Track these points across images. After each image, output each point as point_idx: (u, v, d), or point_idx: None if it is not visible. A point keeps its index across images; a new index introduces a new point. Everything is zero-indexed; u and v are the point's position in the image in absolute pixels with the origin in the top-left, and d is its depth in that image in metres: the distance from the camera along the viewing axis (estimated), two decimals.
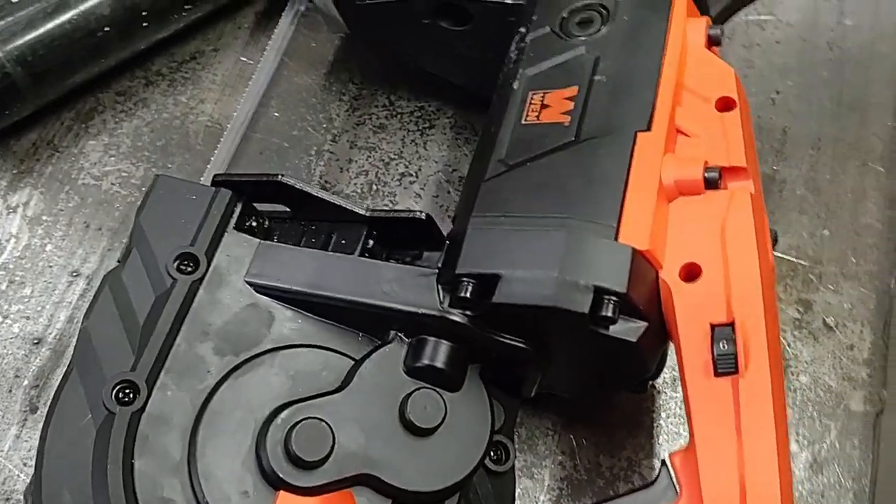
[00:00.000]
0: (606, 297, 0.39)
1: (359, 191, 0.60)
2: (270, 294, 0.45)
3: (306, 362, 0.44)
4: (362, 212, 0.46)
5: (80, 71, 0.61)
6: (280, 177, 0.46)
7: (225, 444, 0.41)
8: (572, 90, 0.46)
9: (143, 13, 0.61)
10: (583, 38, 0.48)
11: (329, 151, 0.62)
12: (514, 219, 0.42)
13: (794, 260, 0.58)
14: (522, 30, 0.50)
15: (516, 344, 0.43)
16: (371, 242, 0.46)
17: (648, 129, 0.44)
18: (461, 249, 0.42)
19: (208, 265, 0.45)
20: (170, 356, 0.42)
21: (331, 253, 0.45)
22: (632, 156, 0.43)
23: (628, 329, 0.41)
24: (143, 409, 0.41)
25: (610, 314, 0.39)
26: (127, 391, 0.41)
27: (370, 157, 0.62)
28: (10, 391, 0.53)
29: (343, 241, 0.47)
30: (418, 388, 0.43)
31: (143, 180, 0.60)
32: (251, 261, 0.45)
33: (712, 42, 0.48)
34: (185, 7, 0.64)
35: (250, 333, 0.44)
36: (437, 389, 0.43)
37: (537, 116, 0.46)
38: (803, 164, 0.62)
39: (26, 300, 0.56)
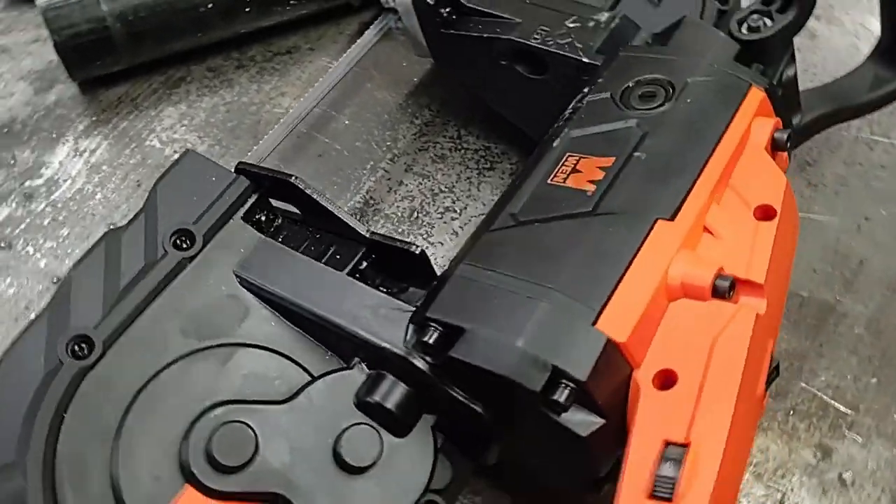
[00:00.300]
0: (564, 381, 0.37)
1: (399, 214, 0.59)
2: (253, 290, 0.44)
3: (264, 366, 0.43)
4: (362, 231, 0.45)
5: (176, 40, 0.64)
6: (293, 178, 0.46)
7: (156, 424, 0.41)
8: (608, 160, 0.43)
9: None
10: (638, 112, 0.45)
11: (384, 169, 0.61)
12: (502, 276, 0.40)
13: (828, 400, 0.52)
14: (586, 90, 0.48)
15: (472, 406, 0.40)
16: (364, 264, 0.45)
17: (671, 218, 0.41)
18: (438, 293, 0.41)
19: (203, 246, 0.45)
20: (135, 323, 0.43)
21: (321, 265, 0.45)
22: (643, 242, 0.40)
23: (582, 422, 0.38)
24: (92, 367, 0.41)
25: (562, 400, 0.36)
26: (83, 346, 0.42)
27: (421, 184, 0.61)
28: (16, 321, 0.55)
29: (338, 256, 0.46)
30: (359, 423, 0.41)
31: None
32: (246, 253, 0.45)
33: (776, 146, 0.44)
34: (290, 2, 0.65)
35: (220, 323, 0.44)
36: (381, 430, 0.41)
37: (564, 179, 0.43)
38: (872, 301, 0.56)
39: (60, 240, 0.58)
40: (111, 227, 0.58)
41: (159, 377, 0.42)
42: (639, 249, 0.40)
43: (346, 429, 0.41)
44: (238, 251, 0.45)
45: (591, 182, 0.43)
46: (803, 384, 0.53)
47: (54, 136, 0.63)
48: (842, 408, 0.52)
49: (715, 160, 0.43)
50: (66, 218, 0.59)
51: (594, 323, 0.38)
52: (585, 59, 0.51)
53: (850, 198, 0.61)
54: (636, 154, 0.43)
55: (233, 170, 0.47)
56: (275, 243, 0.46)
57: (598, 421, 0.38)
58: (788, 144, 0.44)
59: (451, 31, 0.56)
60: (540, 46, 0.52)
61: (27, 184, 0.61)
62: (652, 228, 0.40)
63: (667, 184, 0.42)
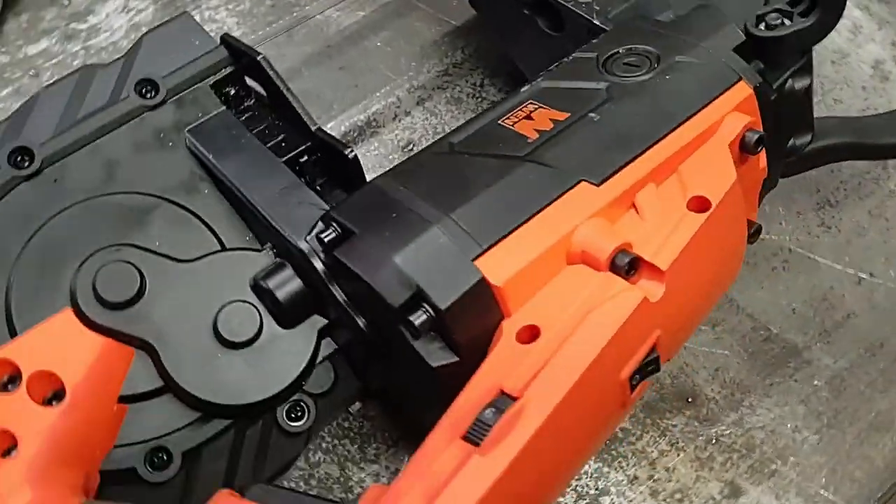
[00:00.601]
0: (425, 305, 0.36)
1: (395, 141, 0.59)
2: (195, 155, 0.45)
3: (181, 227, 0.44)
4: (310, 125, 0.45)
5: None
6: (260, 57, 0.46)
7: (59, 250, 0.42)
8: (562, 115, 0.42)
9: None
10: (615, 77, 0.43)
11: (397, 96, 0.61)
12: (410, 195, 0.39)
13: (758, 441, 0.49)
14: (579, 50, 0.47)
15: (354, 317, 0.40)
16: (306, 158, 0.45)
17: (598, 184, 0.39)
18: (349, 197, 0.40)
19: (163, 101, 0.46)
20: (77, 153, 0.44)
21: (262, 147, 0.45)
22: (558, 197, 0.38)
23: (435, 352, 0.37)
24: (25, 178, 0.43)
25: (417, 323, 0.35)
26: (25, 159, 0.44)
27: (427, 120, 0.60)
28: None
29: (283, 145, 0.46)
30: (244, 302, 0.41)
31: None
32: (203, 119, 0.46)
33: (744, 146, 0.41)
34: None
35: (153, 175, 0.45)
36: (266, 316, 0.42)
37: (513, 123, 0.42)
38: (843, 358, 0.52)
39: None
40: None
41: (74, 208, 0.43)
42: (550, 203, 0.38)
43: (231, 303, 0.41)
44: (196, 114, 0.46)
45: (537, 131, 0.41)
46: (736, 416, 0.50)
47: None
48: (769, 453, 0.49)
49: (669, 141, 0.40)
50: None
51: (475, 259, 0.36)
52: (597, 22, 0.49)
53: (861, 250, 0.56)
54: (591, 115, 0.41)
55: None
56: (231, 117, 0.46)
57: (452, 357, 0.37)
58: (758, 147, 0.41)
59: None
60: (561, 1, 0.51)
61: (71, 26, 0.64)
62: (572, 188, 0.39)
63: (607, 150, 0.40)
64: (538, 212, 0.38)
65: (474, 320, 0.36)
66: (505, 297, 0.36)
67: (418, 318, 0.36)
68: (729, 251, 0.41)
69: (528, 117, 0.42)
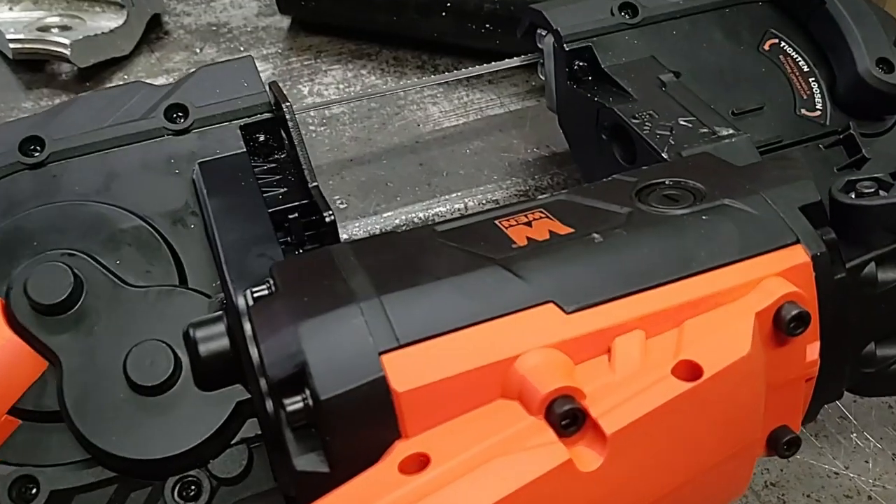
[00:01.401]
0: (306, 390, 0.30)
1: None
2: (196, 189, 0.43)
3: (149, 254, 0.41)
4: (309, 181, 0.42)
5: (371, 12, 0.66)
6: (286, 105, 0.43)
7: (20, 241, 0.40)
8: (565, 229, 0.35)
9: None
10: (643, 206, 0.36)
11: (465, 203, 0.57)
12: (357, 267, 0.33)
13: None
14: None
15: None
16: (296, 215, 0.42)
17: (568, 311, 0.32)
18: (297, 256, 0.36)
19: (187, 129, 0.44)
20: (84, 157, 0.43)
21: (255, 194, 0.42)
22: (511, 313, 0.31)
23: (303, 452, 0.30)
24: (27, 168, 0.43)
25: (287, 408, 0.29)
26: (35, 149, 0.43)
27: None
28: None
29: (280, 197, 0.43)
30: (164, 345, 0.37)
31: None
32: (219, 156, 0.44)
33: (778, 322, 0.32)
34: (485, 26, 0.64)
35: (147, 196, 0.43)
36: (185, 369, 0.37)
37: (509, 226, 0.36)
38: None
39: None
40: None
41: (56, 206, 0.42)
42: (500, 317, 0.31)
43: (149, 341, 0.37)
44: (215, 150, 0.44)
45: (529, 239, 0.35)
46: None
47: (242, 49, 0.68)
48: None
49: (678, 288, 0.33)
50: None
51: (384, 352, 0.30)
52: (665, 156, 0.42)
53: None
54: (594, 236, 0.34)
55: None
56: (246, 161, 0.44)
57: (322, 466, 0.30)
58: (796, 328, 0.32)
59: (575, 87, 0.51)
60: (634, 128, 0.45)
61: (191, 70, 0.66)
62: (535, 307, 0.32)
63: (596, 277, 0.33)
64: (482, 321, 0.31)
65: (360, 428, 0.30)
66: (404, 409, 0.30)
67: (292, 404, 0.30)
68: (725, 446, 0.32)
69: (528, 224, 0.36)
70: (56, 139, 0.43)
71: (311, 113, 0.62)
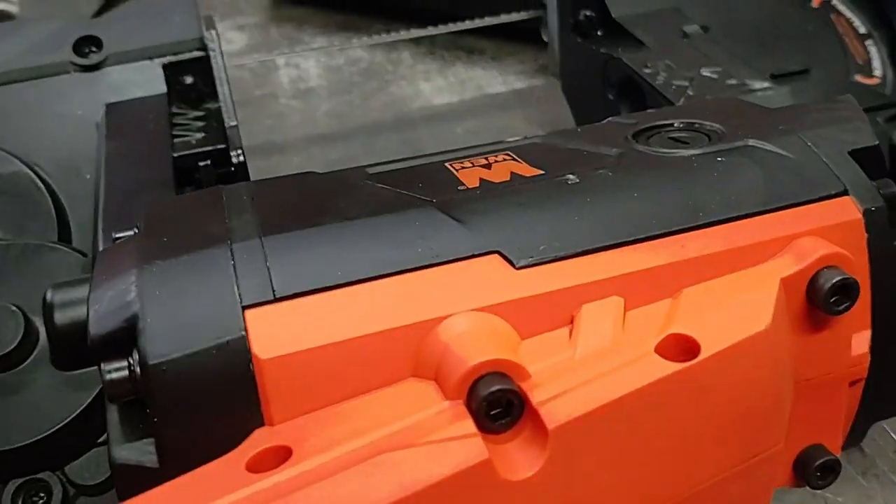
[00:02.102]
0: (134, 352, 0.21)
1: None
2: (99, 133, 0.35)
3: (27, 204, 0.33)
4: (227, 120, 0.34)
5: None
6: (211, 43, 0.36)
7: None
8: (532, 171, 0.26)
9: None
10: (639, 147, 0.27)
11: None
12: (247, 208, 0.25)
13: None
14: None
15: None
16: (208, 161, 0.34)
17: (518, 266, 0.23)
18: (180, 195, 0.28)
19: (98, 64, 0.37)
20: None
21: (167, 140, 0.34)
22: (439, 265, 0.23)
23: (126, 437, 0.22)
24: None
25: (105, 375, 0.21)
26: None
27: None
28: None
29: (191, 142, 0.34)
30: (12, 307, 0.29)
31: None
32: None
33: (813, 291, 0.23)
34: None
35: (36, 138, 0.35)
36: (42, 341, 0.29)
37: (460, 168, 0.27)
38: None
39: None
40: None
41: None
42: (422, 268, 0.23)
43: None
44: (129, 92, 0.37)
45: (482, 181, 0.26)
46: None
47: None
48: None
49: (674, 243, 0.23)
50: None
51: (250, 307, 0.21)
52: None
53: None
54: (568, 177, 0.26)
55: None
56: (163, 104, 0.37)
57: (148, 457, 0.21)
58: (838, 301, 0.23)
59: (580, 41, 0.42)
60: (645, 79, 0.36)
61: None
62: (473, 257, 0.23)
63: (560, 226, 0.24)
64: (396, 273, 0.22)
65: (205, 408, 0.21)
66: (268, 384, 0.21)
67: (114, 371, 0.21)
68: (728, 461, 0.22)
69: (487, 166, 0.27)
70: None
71: (284, 83, 0.55)
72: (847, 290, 0.23)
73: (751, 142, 0.27)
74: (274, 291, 0.22)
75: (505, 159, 0.28)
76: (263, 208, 0.25)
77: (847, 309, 0.23)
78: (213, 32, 0.36)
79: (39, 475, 0.29)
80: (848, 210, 0.25)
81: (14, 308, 0.29)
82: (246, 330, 0.21)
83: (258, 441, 0.21)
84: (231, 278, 0.22)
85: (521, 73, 0.56)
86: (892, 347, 0.26)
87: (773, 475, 0.23)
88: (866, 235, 0.25)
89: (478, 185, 0.26)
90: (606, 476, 0.20)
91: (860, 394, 0.27)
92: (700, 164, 0.26)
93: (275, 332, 0.21)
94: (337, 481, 0.18)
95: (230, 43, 0.59)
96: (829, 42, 0.42)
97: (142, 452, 0.21)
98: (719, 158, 0.26)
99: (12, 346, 0.28)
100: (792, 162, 0.26)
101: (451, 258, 0.23)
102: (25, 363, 0.29)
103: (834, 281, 0.23)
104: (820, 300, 0.23)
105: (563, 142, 0.29)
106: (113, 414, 0.22)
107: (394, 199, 0.25)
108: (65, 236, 0.33)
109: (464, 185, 0.26)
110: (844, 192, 0.25)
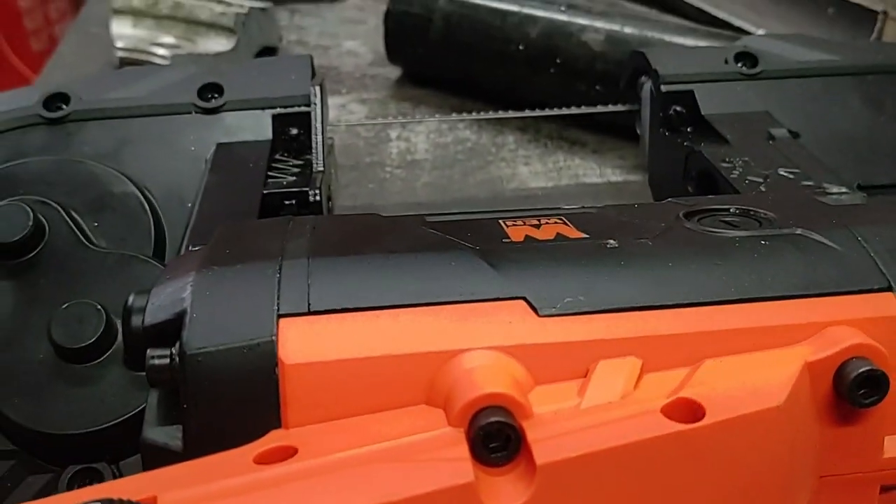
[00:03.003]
0: (177, 345, 0.23)
1: None
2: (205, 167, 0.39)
3: (132, 221, 0.37)
4: (316, 165, 0.37)
5: (477, 64, 0.62)
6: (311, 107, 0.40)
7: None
8: (578, 234, 0.27)
9: None
10: (686, 224, 0.28)
11: None
12: (307, 235, 0.27)
13: None
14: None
15: None
16: (293, 201, 0.36)
17: (541, 315, 0.23)
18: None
19: (216, 109, 0.41)
20: (104, 121, 0.41)
21: (260, 178, 0.37)
22: (466, 303, 0.24)
23: (158, 419, 0.23)
24: (45, 122, 0.41)
25: (150, 361, 0.23)
26: (60, 106, 0.41)
27: None
28: None
29: (283, 182, 0.37)
30: (98, 311, 0.32)
31: None
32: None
33: (840, 381, 0.23)
34: (595, 87, 0.58)
35: (152, 167, 0.39)
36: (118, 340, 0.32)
37: (511, 225, 0.28)
38: None
39: None
40: None
41: (54, 159, 0.39)
42: (449, 304, 0.24)
43: (85, 303, 0.32)
44: (239, 135, 0.41)
45: (528, 237, 0.27)
46: None
47: (343, 91, 0.66)
48: None
49: (698, 315, 0.24)
50: None
51: (285, 316, 0.23)
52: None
53: None
54: (609, 242, 0.26)
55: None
56: (265, 149, 0.40)
57: (174, 440, 0.23)
58: (866, 395, 0.22)
59: (667, 134, 0.43)
60: (721, 172, 0.37)
61: None
62: (499, 301, 0.24)
63: (589, 284, 0.24)
64: (424, 304, 0.24)
65: (230, 401, 0.22)
66: (289, 388, 0.22)
67: (158, 357, 0.23)
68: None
69: (536, 226, 0.29)
70: (82, 99, 0.41)
71: (392, 153, 0.58)
72: (875, 383, 0.23)
73: (799, 231, 0.27)
74: (309, 305, 0.24)
75: (556, 222, 0.29)
76: (320, 236, 0.27)
77: (875, 403, 0.23)
78: (317, 88, 0.39)
79: (95, 465, 0.31)
80: (889, 305, 0.25)
81: (99, 307, 0.32)
82: (277, 335, 0.23)
83: (271, 439, 0.22)
84: (274, 289, 0.24)
85: (618, 168, 0.57)
86: None
87: None
88: None
89: (522, 239, 0.27)
90: None
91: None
92: (742, 245, 0.26)
93: (303, 342, 0.23)
94: (325, 480, 0.20)
95: (352, 113, 0.64)
96: None
97: (170, 436, 0.23)
98: (763, 242, 0.26)
99: (91, 341, 0.31)
100: (836, 253, 0.26)
101: (478, 298, 0.24)
102: (101, 359, 0.32)
103: (860, 371, 0.23)
104: (845, 390, 0.23)
105: (617, 213, 0.30)
106: (153, 399, 0.24)
107: (438, 241, 0.27)
108: (159, 253, 0.36)
109: (509, 238, 0.28)
110: (888, 289, 0.25)
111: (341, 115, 0.63)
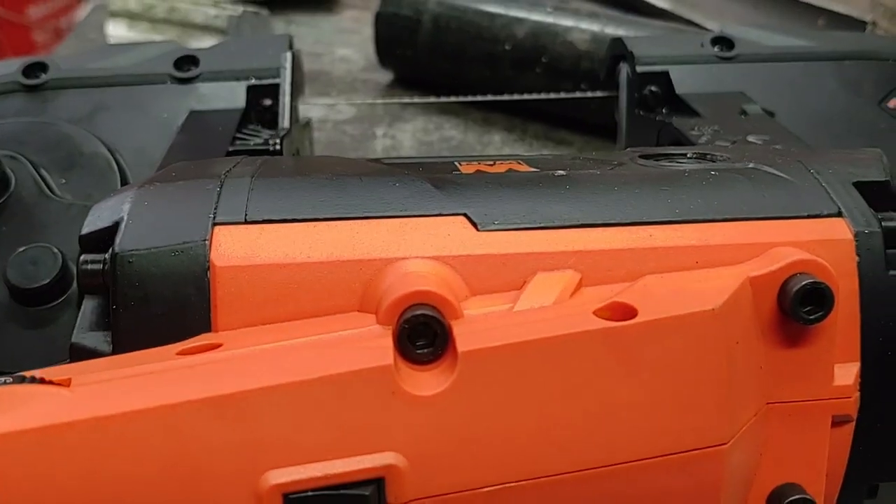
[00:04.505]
0: (109, 251, 0.23)
1: None
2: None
3: (100, 179, 0.37)
4: (281, 123, 0.37)
5: (468, 65, 0.62)
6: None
7: None
8: (527, 169, 0.27)
9: None
10: (639, 161, 0.28)
11: None
12: (260, 165, 0.27)
13: None
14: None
15: None
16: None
17: (480, 229, 0.23)
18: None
19: (191, 79, 0.41)
20: (81, 89, 0.41)
21: (229, 137, 0.37)
22: (402, 217, 0.23)
23: (87, 321, 0.23)
24: (24, 89, 0.41)
25: (81, 265, 0.23)
26: (38, 73, 0.41)
27: None
28: None
29: (250, 141, 0.37)
30: (54, 250, 0.32)
31: None
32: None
33: (783, 297, 0.22)
34: (581, 86, 0.58)
35: (126, 132, 0.39)
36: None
37: (466, 163, 0.28)
38: None
39: None
40: None
41: (28, 121, 0.39)
42: (387, 217, 0.23)
43: (42, 247, 0.32)
44: (213, 105, 0.41)
45: (478, 171, 0.27)
46: None
47: (333, 92, 0.66)
48: None
49: (639, 233, 0.23)
50: None
51: (219, 224, 0.23)
52: None
53: None
54: (557, 172, 0.26)
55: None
56: (235, 116, 0.40)
57: (102, 344, 0.22)
58: (811, 310, 0.22)
59: (642, 113, 0.43)
60: (689, 139, 0.36)
61: None
62: (438, 216, 0.24)
63: (532, 204, 0.24)
64: (365, 217, 0.23)
65: (160, 302, 0.22)
66: (219, 291, 0.22)
67: (89, 262, 0.23)
68: (661, 443, 0.21)
69: (491, 164, 0.28)
70: (61, 68, 0.42)
71: (378, 150, 0.58)
72: (819, 297, 0.22)
73: (751, 164, 0.27)
74: (246, 216, 0.23)
75: (511, 162, 0.29)
76: (269, 166, 0.27)
77: (820, 319, 0.22)
78: (288, 54, 0.40)
79: None
80: (838, 229, 0.24)
81: (56, 251, 0.32)
82: (210, 240, 0.23)
83: (198, 339, 0.22)
84: (212, 201, 0.24)
85: None
86: (887, 390, 0.24)
87: (719, 482, 0.22)
88: (857, 258, 0.24)
89: (472, 173, 0.27)
90: (513, 417, 0.20)
91: (849, 439, 0.25)
92: (691, 175, 0.26)
93: (236, 248, 0.23)
94: (241, 362, 0.19)
95: (340, 113, 0.64)
96: None
97: (99, 340, 0.23)
98: (714, 173, 0.26)
99: (45, 282, 0.31)
100: (788, 182, 0.26)
101: (418, 213, 0.24)
102: (56, 302, 0.32)
103: (803, 284, 0.22)
104: (789, 306, 0.22)
105: (574, 157, 0.30)
106: (86, 307, 0.24)
107: (387, 170, 0.27)
108: None
109: (459, 172, 0.27)
110: (838, 214, 0.25)
111: (330, 114, 0.63)
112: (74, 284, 0.32)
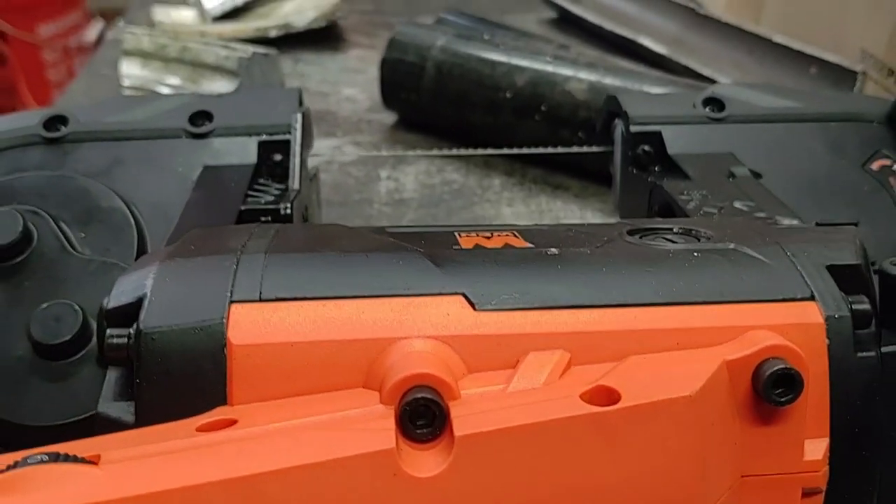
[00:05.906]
0: (135, 324, 0.25)
1: None
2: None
3: (118, 234, 0.39)
4: (292, 184, 0.39)
5: (470, 112, 0.64)
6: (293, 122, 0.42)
7: None
8: (524, 244, 0.29)
9: None
10: (627, 238, 0.29)
11: None
12: (271, 237, 0.29)
13: None
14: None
15: None
16: (269, 218, 0.38)
17: (477, 309, 0.25)
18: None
19: (205, 135, 0.43)
20: (100, 143, 0.43)
21: (240, 197, 0.39)
22: (406, 296, 0.25)
23: (112, 393, 0.25)
24: (44, 142, 0.43)
25: (107, 340, 0.25)
26: (58, 126, 0.43)
27: None
28: None
29: (261, 201, 0.39)
30: (75, 306, 0.34)
31: None
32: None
33: (756, 380, 0.24)
34: (578, 134, 0.60)
35: (143, 186, 0.41)
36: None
37: (466, 236, 0.30)
38: None
39: None
40: None
41: (47, 175, 0.41)
42: (391, 297, 0.25)
43: (64, 303, 0.34)
44: (226, 159, 0.43)
45: (477, 245, 0.29)
46: None
47: (338, 133, 0.68)
48: None
49: (624, 315, 0.25)
50: None
51: (236, 302, 0.25)
52: None
53: None
54: (551, 250, 0.28)
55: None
56: (247, 172, 0.42)
57: (127, 415, 0.24)
58: (781, 394, 0.23)
59: (634, 171, 0.45)
60: (679, 204, 0.38)
61: None
62: (438, 295, 0.25)
63: (525, 284, 0.26)
64: (370, 297, 0.25)
65: (180, 378, 0.24)
66: (235, 367, 0.24)
67: (116, 336, 0.25)
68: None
69: (488, 237, 0.30)
70: (80, 121, 0.44)
71: (381, 192, 0.60)
72: (790, 381, 0.24)
73: (732, 245, 0.29)
74: (261, 294, 0.25)
75: (508, 235, 0.31)
76: (281, 237, 0.29)
77: (790, 401, 0.24)
78: (299, 115, 0.42)
79: None
80: (810, 313, 0.26)
81: (77, 308, 0.34)
82: (227, 318, 0.24)
83: (215, 413, 0.23)
84: (229, 278, 0.26)
85: (599, 211, 0.59)
86: (854, 464, 0.26)
87: None
88: (827, 341, 0.26)
89: (471, 247, 0.29)
90: (506, 496, 0.21)
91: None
92: (675, 256, 0.28)
93: (251, 325, 0.24)
94: (256, 442, 0.21)
95: (345, 155, 0.66)
96: (883, 203, 0.43)
97: (123, 410, 0.25)
98: (696, 254, 0.28)
99: (67, 339, 0.33)
100: (765, 266, 0.27)
101: (419, 292, 0.26)
102: (76, 357, 0.33)
103: (775, 368, 0.24)
104: (762, 388, 0.24)
105: (566, 229, 0.32)
106: (110, 377, 0.25)
107: (390, 244, 0.28)
108: None
109: (459, 246, 0.29)
110: (811, 298, 0.26)
111: (335, 156, 0.65)
112: (94, 340, 0.34)
